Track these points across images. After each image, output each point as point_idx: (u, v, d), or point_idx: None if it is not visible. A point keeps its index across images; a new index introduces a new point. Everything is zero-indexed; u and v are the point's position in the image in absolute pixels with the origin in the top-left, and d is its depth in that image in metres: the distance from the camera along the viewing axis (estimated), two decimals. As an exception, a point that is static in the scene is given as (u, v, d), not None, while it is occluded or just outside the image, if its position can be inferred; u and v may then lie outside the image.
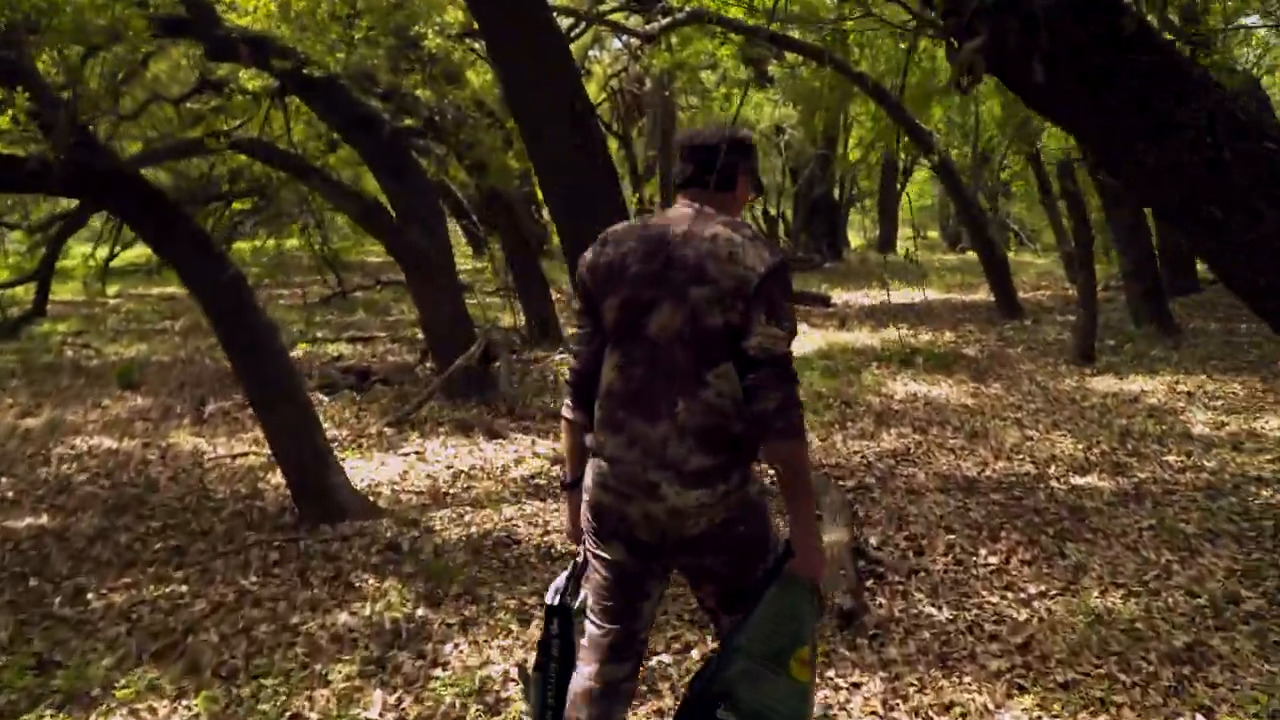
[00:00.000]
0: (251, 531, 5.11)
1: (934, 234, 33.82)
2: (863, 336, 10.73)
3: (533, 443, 6.62)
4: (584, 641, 2.45)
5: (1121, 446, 6.19)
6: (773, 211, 21.82)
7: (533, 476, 5.97)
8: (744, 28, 10.88)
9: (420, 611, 4.04)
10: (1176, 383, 7.82)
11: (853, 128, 19.76)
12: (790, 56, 21.39)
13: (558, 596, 2.54)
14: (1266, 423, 6.63)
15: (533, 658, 2.60)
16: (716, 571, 2.38)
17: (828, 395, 7.77)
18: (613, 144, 31.72)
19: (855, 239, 28.45)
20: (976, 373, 8.60)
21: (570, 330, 2.37)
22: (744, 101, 16.64)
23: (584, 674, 2.41)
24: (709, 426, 2.22)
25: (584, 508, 2.41)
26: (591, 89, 32.93)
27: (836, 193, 21.83)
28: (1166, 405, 7.19)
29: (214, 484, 6.01)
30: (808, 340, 10.47)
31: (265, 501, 5.63)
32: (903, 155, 26.75)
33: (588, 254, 2.41)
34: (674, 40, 17.13)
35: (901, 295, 14.57)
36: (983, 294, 14.25)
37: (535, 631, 3.78)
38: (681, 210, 2.35)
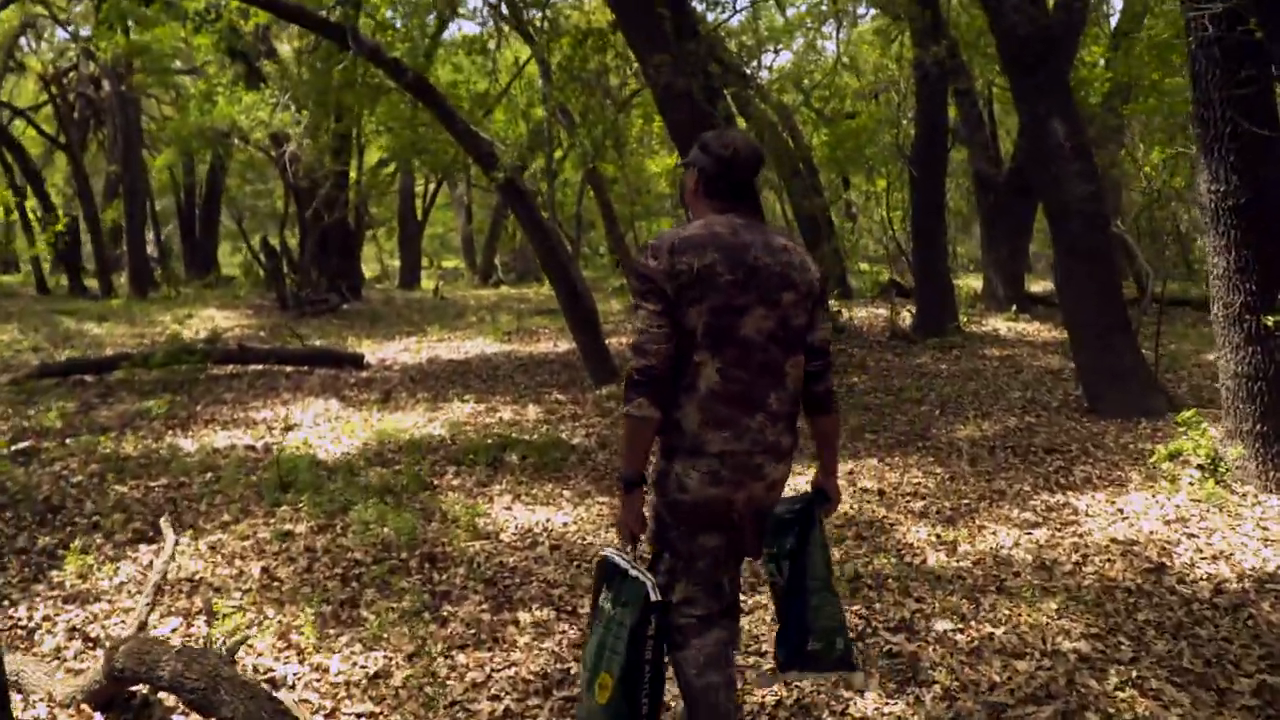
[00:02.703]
0: None
1: (449, 263, 32.08)
2: (420, 420, 7.82)
3: None
4: (687, 621, 2.57)
5: (866, 608, 4.04)
6: (273, 241, 18.00)
7: None
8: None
9: None
10: (852, 473, 5.98)
11: (370, 140, 16.77)
12: (288, 50, 17.91)
13: (656, 591, 2.48)
14: (995, 534, 4.96)
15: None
16: (752, 545, 2.66)
17: (398, 548, 4.85)
18: (62, 159, 25.63)
19: (368, 272, 25.33)
20: (597, 476, 6.15)
21: (642, 330, 2.36)
22: (237, 103, 13.02)
23: (708, 641, 2.57)
24: (791, 410, 2.59)
25: (665, 507, 2.56)
26: (28, 90, 26.56)
27: (351, 220, 18.68)
28: (865, 515, 5.24)
29: None
30: (345, 431, 7.39)
31: None
32: (422, 177, 24.40)
33: (657, 261, 2.45)
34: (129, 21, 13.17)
35: (448, 348, 11.94)
36: (548, 343, 12.06)
37: None
38: (732, 220, 2.54)
